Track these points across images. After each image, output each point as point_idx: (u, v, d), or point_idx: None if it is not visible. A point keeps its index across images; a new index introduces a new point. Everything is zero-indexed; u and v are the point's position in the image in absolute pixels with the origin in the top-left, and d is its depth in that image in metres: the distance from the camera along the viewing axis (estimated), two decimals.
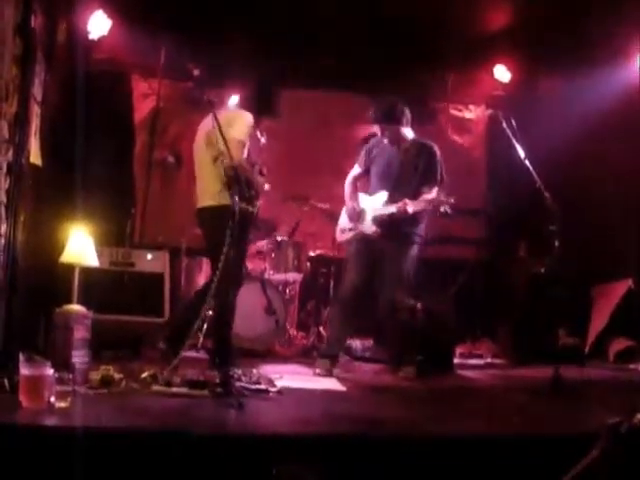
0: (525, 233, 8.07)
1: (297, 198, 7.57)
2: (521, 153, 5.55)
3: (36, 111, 5.43)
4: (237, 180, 5.00)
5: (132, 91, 8.54)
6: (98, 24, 7.32)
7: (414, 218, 5.76)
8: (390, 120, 5.90)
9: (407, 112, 5.97)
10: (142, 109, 8.54)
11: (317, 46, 7.96)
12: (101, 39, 7.47)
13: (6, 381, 3.91)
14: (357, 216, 5.95)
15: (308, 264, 7.59)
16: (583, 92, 7.39)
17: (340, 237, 6.20)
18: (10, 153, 4.72)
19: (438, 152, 5.94)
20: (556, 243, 5.37)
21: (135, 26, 7.48)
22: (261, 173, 5.74)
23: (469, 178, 9.40)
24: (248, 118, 5.48)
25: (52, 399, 3.65)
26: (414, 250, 5.85)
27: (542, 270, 6.95)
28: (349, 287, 5.89)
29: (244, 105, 5.76)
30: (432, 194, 5.73)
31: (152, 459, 3.22)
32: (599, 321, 7.21)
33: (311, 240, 7.95)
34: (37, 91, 5.43)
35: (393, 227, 5.75)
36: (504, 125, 5.60)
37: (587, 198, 7.72)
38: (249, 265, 7.20)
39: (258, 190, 5.57)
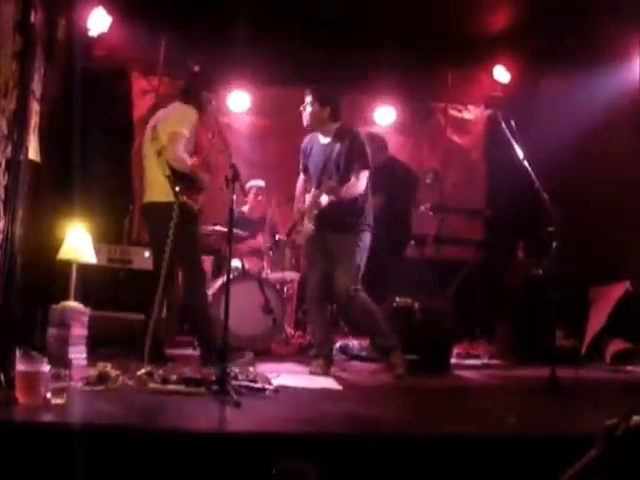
0: (523, 234, 8.07)
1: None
2: (520, 154, 5.54)
3: (35, 107, 5.43)
4: (179, 174, 5.07)
5: (131, 88, 8.56)
6: (98, 21, 7.32)
7: (355, 208, 5.77)
8: (318, 100, 5.85)
9: (339, 106, 5.93)
10: (141, 106, 8.55)
11: (316, 44, 7.95)
12: (101, 36, 7.47)
13: (2, 377, 3.90)
14: (299, 218, 6.00)
15: (305, 263, 7.58)
16: (582, 93, 7.38)
17: (297, 240, 6.26)
18: (9, 149, 4.71)
19: (362, 136, 5.91)
20: (554, 244, 5.37)
21: (135, 23, 7.49)
22: (208, 169, 5.75)
23: (468, 179, 9.44)
24: (191, 112, 5.54)
25: (48, 395, 3.65)
26: (361, 238, 5.81)
27: (540, 271, 6.95)
28: (312, 285, 5.97)
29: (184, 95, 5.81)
30: (360, 180, 5.71)
31: (148, 456, 3.22)
32: (596, 323, 7.21)
33: None
34: (36, 87, 5.43)
35: (332, 219, 5.74)
36: (503, 126, 5.59)
37: (586, 200, 7.73)
38: (247, 264, 7.21)
39: (201, 186, 5.58)
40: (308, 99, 5.89)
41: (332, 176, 5.75)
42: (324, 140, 5.94)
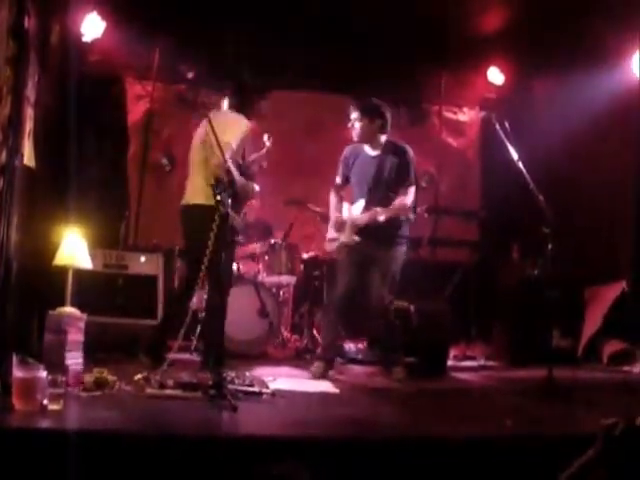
0: (518, 235, 8.09)
1: (293, 202, 7.57)
2: (514, 155, 5.56)
3: (29, 113, 5.42)
4: (225, 183, 5.01)
5: (126, 93, 8.55)
6: (92, 26, 7.31)
7: (395, 220, 5.80)
8: (367, 114, 5.89)
9: (388, 117, 5.98)
10: (136, 111, 8.54)
11: (310, 47, 7.96)
12: (95, 41, 7.46)
13: None
14: (339, 227, 6.00)
15: (302, 267, 7.58)
16: (577, 94, 7.40)
17: (328, 247, 6.27)
18: (3, 155, 4.70)
19: (411, 153, 5.97)
20: (549, 245, 5.38)
21: (129, 28, 7.49)
22: (252, 177, 5.76)
23: (463, 180, 9.45)
24: (243, 123, 5.50)
25: (45, 401, 3.64)
26: (399, 251, 5.87)
27: (535, 272, 6.96)
28: (342, 292, 5.91)
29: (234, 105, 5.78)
30: (409, 196, 5.80)
31: (145, 462, 3.21)
32: (592, 323, 7.22)
33: (305, 243, 7.94)
34: (30, 93, 5.42)
35: (375, 232, 5.76)
36: (497, 127, 5.61)
37: (581, 200, 7.75)
38: (243, 268, 7.21)
39: (247, 196, 5.58)
40: (355, 115, 5.91)
41: (382, 188, 5.83)
42: (372, 152, 5.97)
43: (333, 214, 6.12)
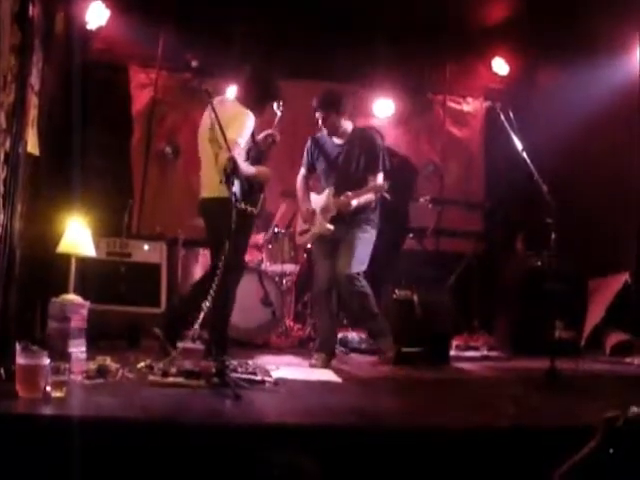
0: (522, 226, 8.07)
1: (289, 194, 7.58)
2: (519, 146, 5.55)
3: (33, 101, 5.42)
4: (236, 175, 4.96)
5: (130, 81, 8.51)
6: (96, 14, 7.28)
7: (367, 207, 5.87)
8: (329, 108, 5.90)
9: (348, 103, 5.98)
10: (140, 100, 8.51)
11: (312, 36, 7.94)
12: (99, 29, 7.44)
13: (2, 370, 3.91)
14: (309, 217, 6.02)
15: (305, 255, 7.58)
16: (581, 85, 7.37)
17: (299, 240, 6.32)
18: (7, 143, 4.70)
19: (379, 138, 6.02)
20: (553, 236, 5.38)
21: (133, 16, 7.47)
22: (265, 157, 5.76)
23: (467, 171, 9.43)
24: (249, 118, 5.40)
25: (48, 389, 3.65)
26: (367, 233, 5.91)
27: (539, 263, 6.95)
28: (322, 281, 5.97)
29: (242, 95, 5.69)
30: (377, 181, 5.85)
31: (148, 449, 3.23)
32: (595, 314, 7.21)
33: None
34: (35, 81, 5.42)
35: (346, 217, 5.82)
36: (502, 118, 5.60)
37: (584, 191, 7.72)
38: (246, 257, 7.20)
39: (262, 183, 5.56)
40: (318, 113, 5.93)
41: (351, 175, 5.86)
42: (337, 141, 5.99)
43: (302, 206, 6.13)
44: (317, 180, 6.21)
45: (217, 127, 4.95)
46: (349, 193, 5.71)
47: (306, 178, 6.19)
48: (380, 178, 5.89)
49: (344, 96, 6.05)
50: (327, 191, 5.93)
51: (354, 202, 5.72)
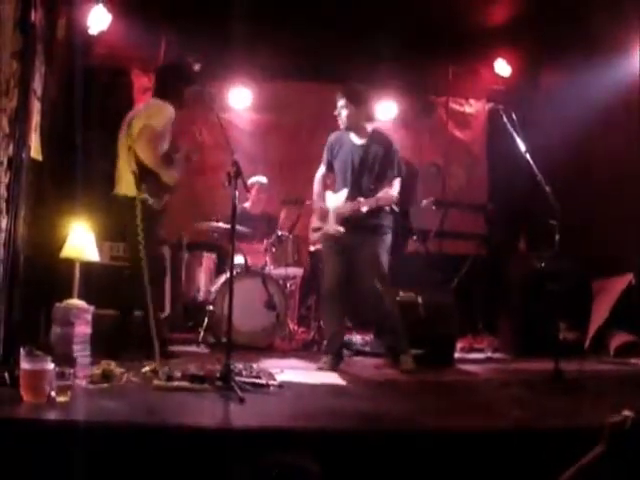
0: (525, 227, 8.07)
1: (290, 202, 7.60)
2: (522, 147, 5.54)
3: (36, 106, 5.43)
4: (145, 171, 5.07)
5: (132, 85, 8.54)
6: (98, 19, 7.29)
7: (379, 211, 5.77)
8: (354, 101, 5.85)
9: (371, 102, 6.00)
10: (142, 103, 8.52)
11: (314, 37, 7.94)
12: (101, 34, 7.44)
13: (7, 375, 3.92)
14: (323, 216, 5.99)
15: (308, 259, 7.58)
16: (584, 86, 7.37)
17: (312, 237, 6.26)
18: (10, 148, 4.72)
19: (396, 145, 5.96)
20: (556, 237, 5.37)
21: (134, 20, 7.46)
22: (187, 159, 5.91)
23: (469, 173, 9.43)
24: (165, 108, 5.53)
25: (53, 393, 3.67)
26: (384, 240, 5.86)
27: (542, 264, 6.94)
28: (331, 281, 5.92)
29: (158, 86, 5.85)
30: (394, 187, 5.78)
31: (153, 453, 3.23)
32: (599, 315, 7.19)
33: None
34: (37, 86, 5.43)
35: (359, 222, 5.75)
36: (504, 119, 5.60)
37: (588, 192, 7.71)
38: (250, 260, 7.21)
39: (167, 183, 5.58)
40: (342, 102, 5.86)
41: (366, 178, 5.81)
42: (358, 140, 5.92)
43: (317, 203, 6.09)
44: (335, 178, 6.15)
45: (134, 119, 5.23)
46: (361, 199, 5.67)
47: (324, 176, 6.12)
48: (397, 184, 5.81)
49: (369, 94, 6.01)
50: (342, 191, 5.88)
51: (364, 208, 5.65)
